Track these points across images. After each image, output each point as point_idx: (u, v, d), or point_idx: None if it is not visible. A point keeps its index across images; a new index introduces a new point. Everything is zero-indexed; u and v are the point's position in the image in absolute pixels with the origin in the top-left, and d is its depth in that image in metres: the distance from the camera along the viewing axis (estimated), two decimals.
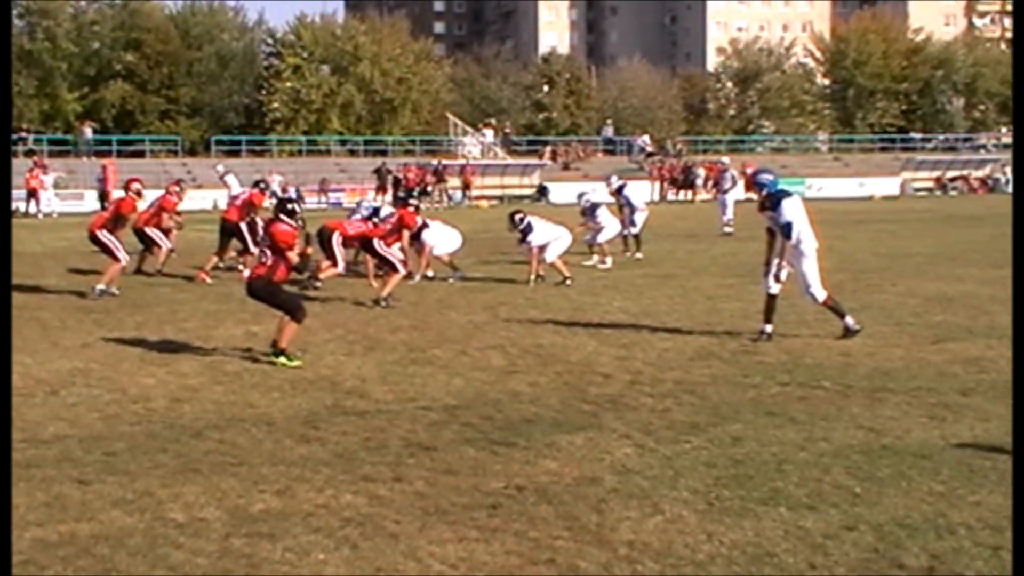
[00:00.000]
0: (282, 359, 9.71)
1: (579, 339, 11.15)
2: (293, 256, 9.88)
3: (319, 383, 8.97)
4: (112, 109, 57.40)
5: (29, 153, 47.04)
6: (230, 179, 23.01)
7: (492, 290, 15.37)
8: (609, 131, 61.13)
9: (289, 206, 10.31)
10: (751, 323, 11.36)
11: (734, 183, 26.59)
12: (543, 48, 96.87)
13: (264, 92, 59.13)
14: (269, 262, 9.93)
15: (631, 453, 6.85)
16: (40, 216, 36.07)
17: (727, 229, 25.16)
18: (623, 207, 20.49)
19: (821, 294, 10.83)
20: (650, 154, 55.69)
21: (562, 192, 48.97)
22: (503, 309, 13.35)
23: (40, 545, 5.21)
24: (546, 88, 66.82)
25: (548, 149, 56.52)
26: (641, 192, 20.60)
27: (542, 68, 70.00)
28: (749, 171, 14.27)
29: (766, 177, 11.13)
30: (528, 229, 15.90)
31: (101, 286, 14.58)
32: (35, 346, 10.71)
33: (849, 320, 10.90)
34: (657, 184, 48.42)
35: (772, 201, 10.75)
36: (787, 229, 10.52)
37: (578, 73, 70.24)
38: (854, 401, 8.18)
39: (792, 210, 10.63)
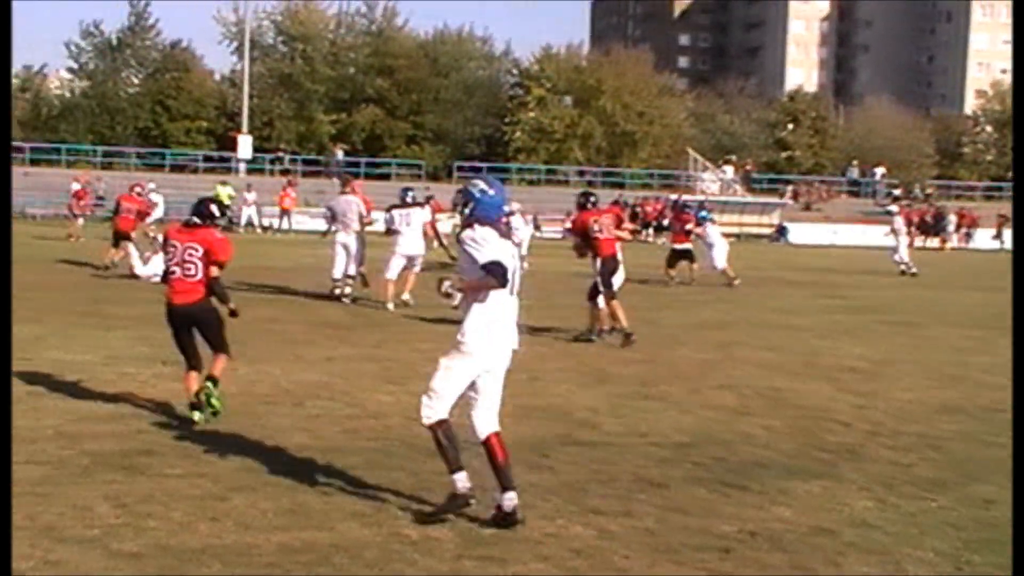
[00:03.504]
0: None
1: (815, 384, 10.81)
2: None
3: (550, 412, 9.02)
4: (362, 132, 59.91)
5: (284, 172, 49.58)
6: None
7: (725, 328, 15.12)
8: (854, 172, 59.38)
9: None
10: (1002, 379, 10.73)
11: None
12: (789, 85, 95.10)
13: (507, 121, 60.39)
14: None
15: (871, 506, 6.56)
16: (279, 234, 37.67)
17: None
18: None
19: None
20: (897, 198, 53.72)
21: (802, 233, 47.86)
22: (736, 348, 13.10)
23: (284, 550, 5.42)
24: (790, 126, 65.56)
25: (789, 188, 55.40)
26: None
27: (787, 105, 68.81)
28: None
29: None
30: None
31: None
32: (282, 358, 11.22)
33: None
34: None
35: None
36: None
37: (824, 112, 68.59)
38: None
39: None
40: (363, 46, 62.39)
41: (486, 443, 5.94)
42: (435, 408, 5.93)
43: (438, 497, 6.35)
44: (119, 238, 19.95)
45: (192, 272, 8.17)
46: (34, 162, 50.83)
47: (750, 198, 52.30)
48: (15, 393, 8.70)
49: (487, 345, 5.89)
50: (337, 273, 16.77)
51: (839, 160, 64.14)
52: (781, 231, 47.90)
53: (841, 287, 22.91)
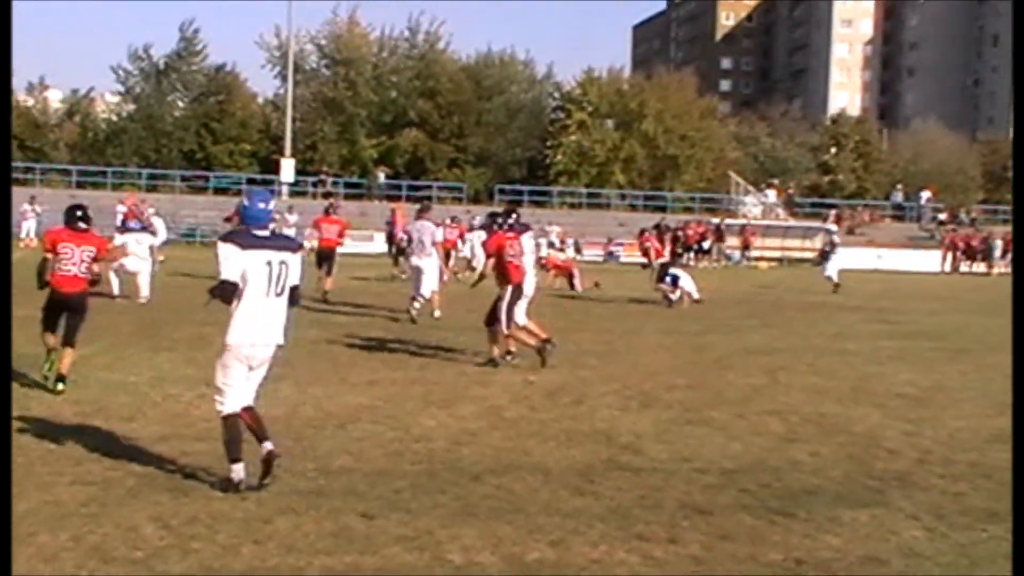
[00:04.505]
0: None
1: (863, 410, 10.67)
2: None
3: (595, 436, 8.96)
4: (404, 155, 60.19)
5: (327, 195, 49.84)
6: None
7: (772, 353, 14.98)
8: (899, 196, 58.87)
9: None
10: None
11: None
12: (833, 109, 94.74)
13: (549, 144, 60.46)
14: None
15: (920, 536, 6.44)
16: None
17: None
18: None
19: None
20: (942, 222, 53.22)
21: (846, 257, 47.51)
22: (783, 374, 12.97)
23: (328, 574, 5.40)
24: (834, 149, 65.19)
25: (833, 212, 54.93)
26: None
27: (831, 129, 68.44)
28: None
29: None
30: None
31: None
32: (327, 380, 11.24)
33: None
34: (949, 254, 46.14)
35: None
36: None
37: (868, 135, 68.14)
38: None
39: None
40: (406, 69, 62.70)
41: (243, 413, 6.86)
42: (225, 403, 6.85)
43: (483, 521, 6.33)
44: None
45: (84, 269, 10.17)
46: (80, 185, 51.43)
47: (793, 222, 51.98)
48: (62, 414, 8.79)
49: (246, 341, 6.81)
50: (424, 291, 17.47)
51: (884, 184, 63.63)
52: (824, 255, 47.49)
53: (888, 312, 22.66)
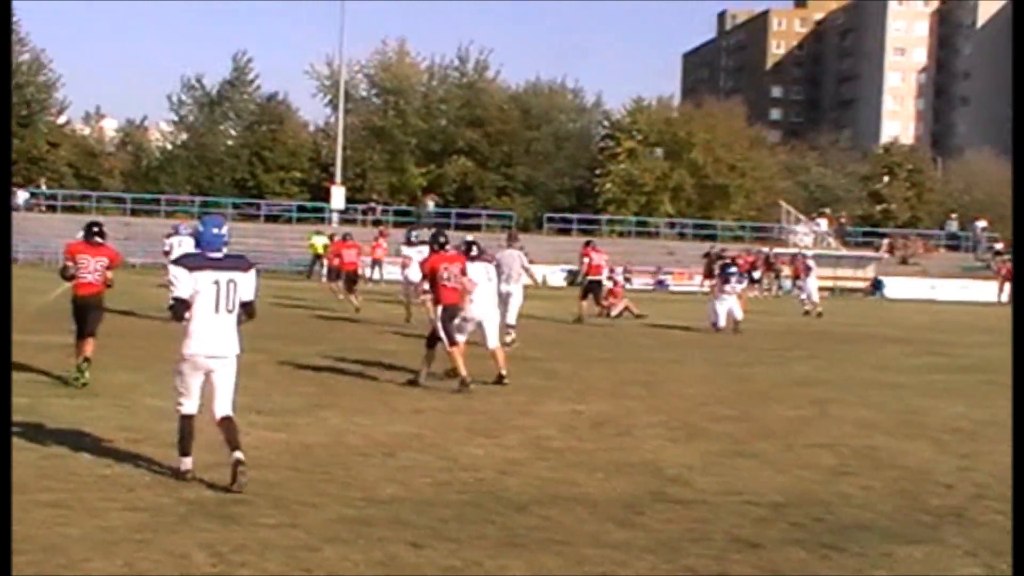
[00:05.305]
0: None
1: (915, 444, 10.53)
2: None
3: (641, 468, 8.91)
4: (453, 183, 60.45)
5: (376, 223, 50.12)
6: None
7: (820, 385, 14.84)
8: (953, 226, 58.19)
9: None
10: None
11: None
12: (884, 137, 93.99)
13: (597, 173, 60.47)
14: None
15: (978, 574, 6.34)
16: (371, 283, 37.87)
17: None
18: None
19: None
20: (998, 252, 52.50)
21: (899, 287, 47.06)
22: (832, 405, 12.83)
23: None
24: (886, 179, 64.62)
25: (885, 242, 54.44)
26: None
27: (882, 158, 67.87)
28: None
29: None
30: None
31: None
32: (374, 408, 11.28)
33: None
34: (1006, 284, 45.43)
35: None
36: None
37: (921, 164, 67.51)
38: None
39: None
40: (455, 98, 63.11)
41: (220, 423, 7.65)
42: (184, 405, 7.75)
43: (530, 552, 6.31)
44: None
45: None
46: (135, 212, 52.16)
47: (844, 251, 51.55)
48: (114, 440, 8.87)
49: (199, 352, 7.65)
50: (510, 318, 17.88)
51: (937, 214, 62.97)
52: (877, 285, 47.08)
53: (941, 344, 22.36)
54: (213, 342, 7.67)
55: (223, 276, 7.65)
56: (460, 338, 13.15)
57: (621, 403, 12.36)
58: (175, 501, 7.09)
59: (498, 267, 18.51)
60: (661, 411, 11.95)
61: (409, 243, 22.96)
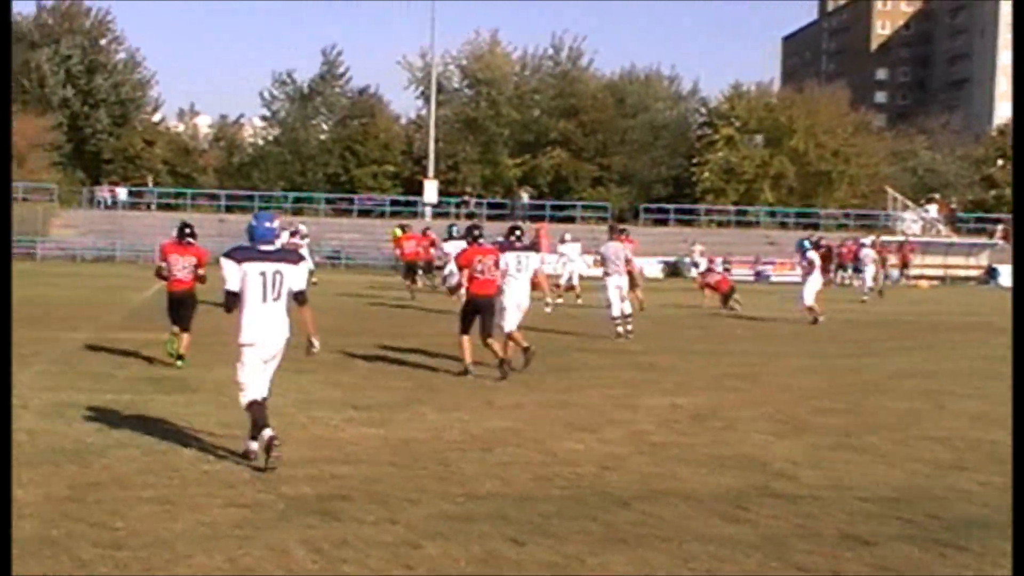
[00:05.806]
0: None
1: None
2: None
3: (746, 462, 8.68)
4: (547, 175, 60.11)
5: (470, 216, 50.07)
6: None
7: (931, 376, 14.39)
8: None
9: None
10: None
11: None
12: (998, 119, 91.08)
13: (695, 162, 59.70)
14: None
15: None
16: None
17: None
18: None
19: None
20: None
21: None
22: (945, 398, 12.41)
23: None
24: (1000, 162, 62.65)
25: (999, 228, 52.71)
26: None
27: (996, 140, 65.79)
28: None
29: None
30: None
31: None
32: (470, 403, 11.21)
33: None
34: None
35: None
36: None
37: None
38: None
39: None
40: (548, 88, 62.77)
41: (258, 403, 8.01)
42: (246, 394, 8.03)
43: (632, 548, 6.17)
44: None
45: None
46: (229, 209, 52.87)
47: (956, 239, 50.15)
48: (214, 435, 8.95)
49: (253, 339, 7.97)
50: (615, 312, 18.21)
51: None
52: (991, 273, 45.71)
53: None
54: (264, 329, 8.01)
55: (270, 267, 7.99)
56: (508, 327, 13.60)
57: (722, 396, 12.12)
58: (275, 497, 7.09)
59: (603, 259, 18.94)
60: (764, 404, 11.67)
61: (450, 238, 23.84)
